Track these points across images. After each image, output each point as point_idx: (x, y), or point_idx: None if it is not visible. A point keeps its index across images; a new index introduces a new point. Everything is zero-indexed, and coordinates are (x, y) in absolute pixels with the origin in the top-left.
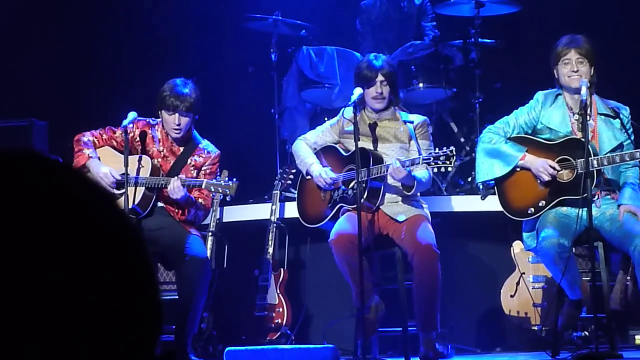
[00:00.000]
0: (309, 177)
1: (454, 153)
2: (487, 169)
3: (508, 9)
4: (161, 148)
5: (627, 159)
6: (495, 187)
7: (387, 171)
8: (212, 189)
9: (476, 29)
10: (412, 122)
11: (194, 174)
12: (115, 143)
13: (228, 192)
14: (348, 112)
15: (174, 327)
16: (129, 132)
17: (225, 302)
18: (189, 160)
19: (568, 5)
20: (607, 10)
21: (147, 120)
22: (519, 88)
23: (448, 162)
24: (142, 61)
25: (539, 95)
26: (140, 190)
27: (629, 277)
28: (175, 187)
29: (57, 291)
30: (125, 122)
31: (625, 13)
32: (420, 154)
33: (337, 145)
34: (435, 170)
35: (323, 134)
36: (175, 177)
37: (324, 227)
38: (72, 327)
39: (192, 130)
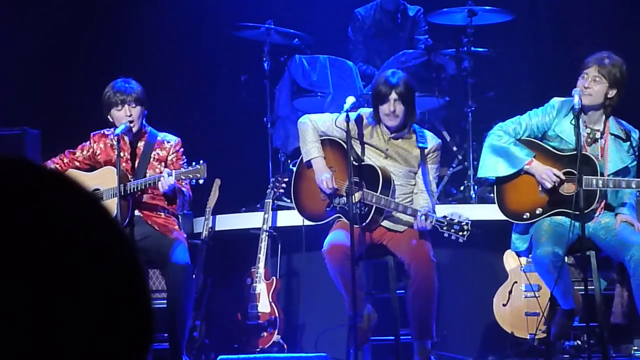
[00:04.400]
0: (310, 167)
1: (469, 227)
2: (491, 165)
3: (501, 18)
4: (122, 153)
5: (633, 187)
6: (495, 186)
7: (396, 208)
8: (183, 177)
9: (469, 37)
10: (425, 147)
11: (161, 168)
12: (77, 164)
13: (199, 175)
14: (340, 121)
15: (165, 335)
16: (87, 149)
17: (217, 310)
18: (151, 156)
19: (561, 14)
20: (600, 19)
21: (102, 131)
22: (512, 97)
23: (460, 234)
24: (135, 70)
25: (556, 101)
26: (115, 201)
27: (622, 291)
28: (165, 181)
29: (46, 299)
30: (117, 131)
31: (619, 21)
32: (425, 181)
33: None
34: (446, 235)
35: (333, 125)
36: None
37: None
38: (63, 335)
39: (147, 126)
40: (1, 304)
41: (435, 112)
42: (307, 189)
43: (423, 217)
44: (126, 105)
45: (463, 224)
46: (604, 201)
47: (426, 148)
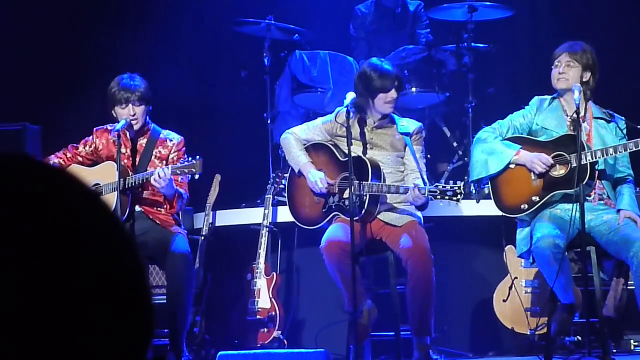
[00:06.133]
0: (301, 175)
1: (462, 190)
2: (481, 166)
3: (501, 14)
4: (124, 150)
5: (621, 151)
6: (490, 185)
7: (388, 191)
8: (179, 172)
9: (469, 33)
10: (408, 133)
11: (162, 167)
12: (80, 159)
13: (195, 171)
14: (341, 116)
15: (166, 331)
16: (90, 144)
17: (217, 306)
18: (153, 154)
19: (561, 10)
20: (601, 15)
21: (105, 126)
22: (512, 93)
23: (455, 199)
24: (135, 65)
25: (535, 100)
26: (114, 195)
27: (623, 284)
28: (160, 176)
29: (48, 295)
30: (117, 127)
31: (620, 18)
32: (418, 165)
33: (332, 146)
34: (441, 204)
35: (313, 131)
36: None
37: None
38: (62, 331)
39: (151, 124)
40: (2, 301)
41: (436, 108)
42: (302, 197)
43: (416, 189)
44: (130, 105)
45: (456, 188)
46: (596, 183)
47: (409, 133)
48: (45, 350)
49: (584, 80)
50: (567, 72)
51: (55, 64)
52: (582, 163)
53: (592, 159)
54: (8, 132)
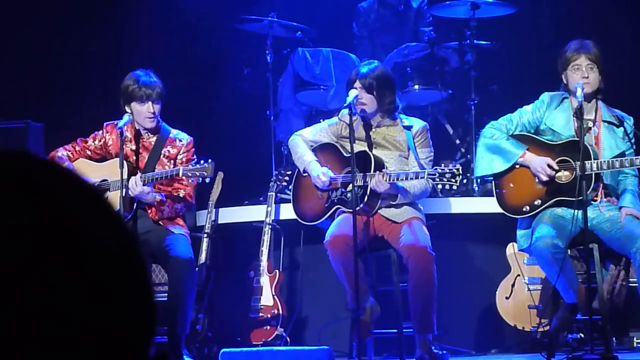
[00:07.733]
0: (305, 174)
1: (460, 172)
2: (486, 163)
3: (504, 11)
4: (133, 147)
5: (627, 165)
6: (493, 182)
7: (389, 179)
8: (190, 174)
9: (472, 30)
10: (411, 127)
11: (171, 166)
12: (89, 153)
13: (205, 174)
14: (345, 115)
15: (166, 328)
16: (99, 138)
17: (220, 303)
18: (162, 153)
19: (563, 7)
20: (602, 12)
21: (115, 122)
22: (515, 90)
23: (453, 180)
24: (137, 63)
25: (545, 96)
26: (119, 193)
27: (622, 280)
28: (133, 183)
29: (48, 293)
30: (120, 124)
31: (621, 15)
32: (419, 162)
33: (337, 145)
34: (440, 187)
35: (320, 132)
36: (138, 175)
37: (320, 225)
38: (63, 329)
39: (161, 122)
40: (2, 299)
41: (438, 105)
42: (306, 196)
43: (379, 175)
44: (150, 102)
45: (454, 169)
46: (602, 185)
47: (411, 127)
48: (45, 347)
49: (599, 80)
50: (590, 74)
51: (58, 61)
52: (587, 172)
53: (597, 169)
54: (11, 129)
